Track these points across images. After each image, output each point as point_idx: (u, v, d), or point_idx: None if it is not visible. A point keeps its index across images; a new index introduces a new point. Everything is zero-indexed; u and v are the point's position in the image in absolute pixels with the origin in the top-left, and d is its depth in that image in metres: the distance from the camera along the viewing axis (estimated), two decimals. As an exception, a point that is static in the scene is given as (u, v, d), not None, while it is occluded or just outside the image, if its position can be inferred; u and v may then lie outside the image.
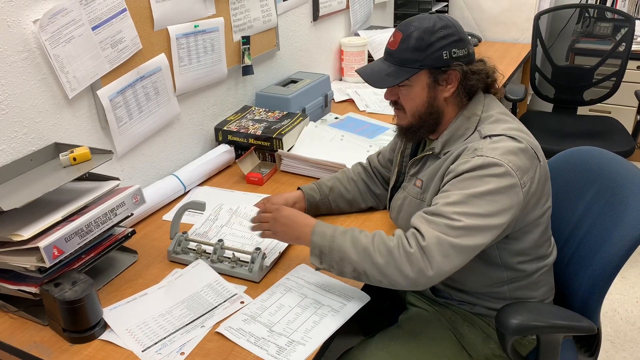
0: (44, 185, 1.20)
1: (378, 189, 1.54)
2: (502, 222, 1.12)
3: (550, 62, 2.99)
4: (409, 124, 1.27)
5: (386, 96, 1.29)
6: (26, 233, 1.11)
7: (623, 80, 2.83)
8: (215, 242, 1.34)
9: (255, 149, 1.84)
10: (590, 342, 1.37)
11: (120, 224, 1.31)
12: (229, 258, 1.32)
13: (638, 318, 2.28)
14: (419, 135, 1.29)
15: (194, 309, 1.19)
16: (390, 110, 2.25)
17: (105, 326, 1.15)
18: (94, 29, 1.41)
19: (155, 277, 1.31)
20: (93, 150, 1.32)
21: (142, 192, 1.34)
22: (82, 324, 1.12)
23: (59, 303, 1.09)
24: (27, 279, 1.16)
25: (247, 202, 1.59)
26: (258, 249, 1.31)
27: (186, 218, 1.54)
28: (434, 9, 3.23)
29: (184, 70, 1.75)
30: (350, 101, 2.43)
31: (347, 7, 2.74)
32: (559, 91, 3.01)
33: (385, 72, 1.22)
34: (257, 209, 1.38)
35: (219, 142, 1.91)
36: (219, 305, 1.20)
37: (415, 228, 1.12)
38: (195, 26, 1.75)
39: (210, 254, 1.34)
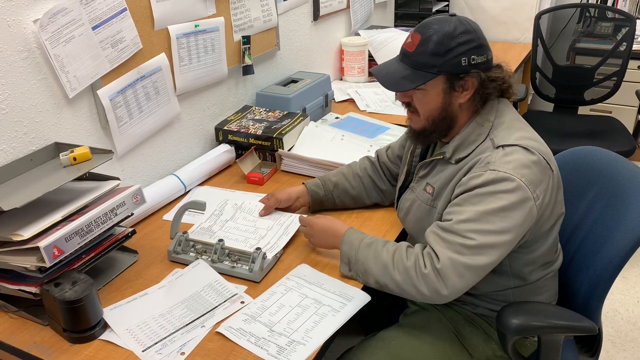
0: (44, 185, 1.19)
1: (384, 184, 1.54)
2: (515, 237, 1.13)
3: (551, 62, 2.99)
4: (421, 128, 1.25)
5: (399, 98, 1.27)
6: (26, 233, 1.11)
7: (624, 80, 2.82)
8: (215, 242, 1.34)
9: (255, 149, 1.83)
10: (591, 342, 1.37)
11: (121, 224, 1.31)
12: (229, 258, 1.32)
13: (639, 318, 2.28)
14: (430, 139, 1.28)
15: (194, 309, 1.19)
16: (390, 110, 2.29)
17: (106, 326, 1.15)
18: (94, 28, 1.41)
19: (156, 277, 1.31)
20: (93, 150, 1.32)
21: (143, 192, 1.33)
22: (82, 324, 1.11)
23: (59, 303, 1.09)
24: (27, 279, 1.15)
25: (251, 197, 1.61)
26: (258, 248, 1.31)
27: (186, 218, 1.53)
28: (434, 9, 3.22)
29: (185, 70, 1.75)
30: (351, 101, 2.42)
31: (348, 6, 2.74)
32: (559, 91, 3.01)
33: (401, 75, 1.19)
34: (261, 205, 1.49)
35: (219, 142, 1.91)
36: (219, 305, 1.20)
37: (431, 247, 1.15)
38: (196, 26, 1.75)
39: (210, 253, 1.34)
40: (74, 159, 1.29)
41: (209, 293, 1.24)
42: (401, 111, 2.27)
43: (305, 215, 1.39)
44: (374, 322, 1.51)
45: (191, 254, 1.36)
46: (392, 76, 1.21)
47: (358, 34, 2.84)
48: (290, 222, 1.45)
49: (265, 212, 1.49)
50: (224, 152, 1.83)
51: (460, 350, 1.28)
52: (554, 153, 1.59)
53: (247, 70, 2.03)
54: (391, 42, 2.70)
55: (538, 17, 2.92)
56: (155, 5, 1.59)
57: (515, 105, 2.80)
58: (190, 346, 1.10)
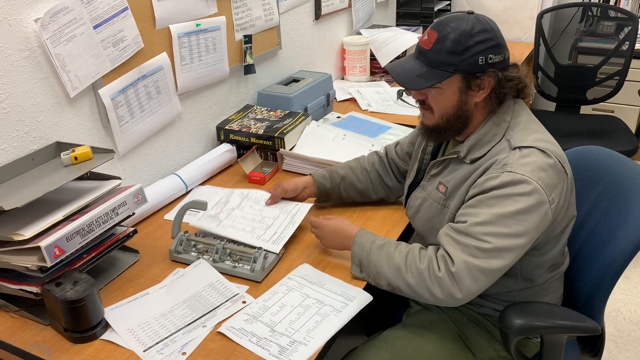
0: (46, 184, 1.19)
1: (391, 181, 1.53)
2: (530, 241, 1.13)
3: (553, 61, 2.98)
4: (435, 125, 1.24)
5: (414, 95, 1.26)
6: (27, 232, 1.11)
7: (626, 79, 2.82)
8: (217, 242, 1.34)
9: (257, 148, 1.83)
10: (594, 342, 1.36)
11: (122, 224, 1.31)
12: (231, 257, 1.32)
13: (641, 318, 2.27)
14: (444, 137, 1.27)
15: (195, 309, 1.19)
16: (391, 110, 2.28)
17: (107, 326, 1.15)
18: (95, 27, 1.41)
19: (157, 277, 1.31)
20: (94, 150, 1.32)
21: (144, 192, 1.33)
22: (83, 324, 1.11)
23: (60, 303, 1.08)
24: (28, 279, 1.15)
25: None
26: (260, 248, 1.31)
27: (188, 217, 1.53)
28: (436, 8, 3.22)
29: (186, 69, 1.74)
30: (352, 100, 2.42)
31: (349, 5, 2.74)
32: (561, 90, 3.00)
33: (416, 73, 1.18)
34: (268, 195, 1.49)
35: (220, 142, 1.90)
36: (220, 305, 1.20)
37: (445, 250, 1.14)
38: (197, 25, 1.74)
39: (212, 253, 1.34)
40: (75, 158, 1.29)
41: (210, 293, 1.23)
42: (402, 111, 2.27)
43: (315, 218, 1.38)
44: (376, 321, 1.50)
45: (192, 253, 1.36)
46: (408, 74, 1.20)
47: (360, 33, 2.84)
48: (296, 211, 1.45)
49: (272, 202, 1.50)
50: (225, 151, 1.83)
51: (464, 350, 1.28)
52: (557, 153, 1.59)
53: (249, 69, 2.03)
54: (393, 41, 2.70)
55: (540, 16, 2.91)
56: (157, 4, 1.59)
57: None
58: (191, 346, 1.09)
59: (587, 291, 1.31)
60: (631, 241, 1.21)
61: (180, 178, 1.68)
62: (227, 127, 1.87)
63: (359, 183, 1.52)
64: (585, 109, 3.09)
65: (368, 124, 2.12)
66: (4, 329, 1.17)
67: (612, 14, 3.35)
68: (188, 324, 1.15)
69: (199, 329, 1.14)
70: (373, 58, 2.71)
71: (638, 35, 2.86)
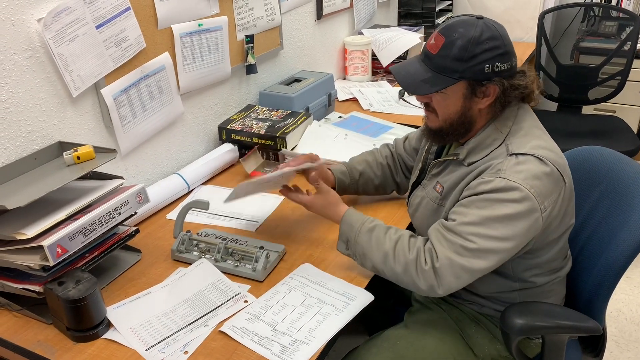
0: (48, 184, 1.20)
1: (398, 177, 1.54)
2: (517, 245, 1.13)
3: (554, 61, 2.98)
4: (438, 128, 1.23)
5: (418, 98, 1.26)
6: (30, 231, 1.11)
7: (628, 79, 2.81)
8: (219, 242, 1.34)
9: (258, 148, 1.83)
10: (595, 342, 1.36)
11: (124, 223, 1.31)
12: (233, 257, 1.32)
13: (643, 318, 2.27)
14: (447, 140, 1.27)
15: (197, 308, 1.19)
16: (393, 110, 2.28)
17: (109, 325, 1.15)
18: (97, 27, 1.41)
19: (159, 276, 1.31)
20: (97, 149, 1.32)
21: (146, 191, 1.34)
22: (85, 323, 1.12)
23: (63, 302, 1.09)
24: (31, 278, 1.16)
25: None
26: (262, 247, 1.31)
27: (190, 217, 1.54)
28: (438, 8, 3.22)
29: (188, 69, 1.75)
30: (354, 100, 2.42)
31: (351, 5, 2.74)
32: (563, 90, 3.00)
33: (422, 78, 1.17)
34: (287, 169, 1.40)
35: (222, 141, 1.91)
36: (222, 304, 1.20)
37: (432, 244, 1.15)
38: (199, 25, 1.75)
39: (214, 252, 1.34)
40: (78, 157, 1.29)
41: (212, 292, 1.24)
42: (404, 110, 2.28)
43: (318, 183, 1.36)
44: (378, 321, 1.50)
45: (194, 253, 1.36)
46: (413, 78, 1.19)
47: (361, 33, 2.84)
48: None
49: (293, 164, 1.44)
50: (227, 151, 1.83)
51: (465, 350, 1.28)
52: (558, 153, 1.59)
53: (251, 69, 2.03)
54: (394, 41, 2.69)
55: (542, 16, 2.91)
56: (159, 4, 1.59)
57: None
58: (193, 345, 1.10)
59: (588, 291, 1.31)
60: (633, 241, 1.21)
61: (182, 178, 1.69)
62: (229, 127, 1.88)
63: (376, 178, 1.53)
64: (587, 109, 3.08)
65: (370, 123, 2.12)
66: (7, 327, 1.17)
67: (614, 14, 3.34)
68: (190, 323, 1.15)
69: (201, 328, 1.14)
70: (375, 58, 2.71)
71: (640, 36, 2.86)
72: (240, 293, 1.23)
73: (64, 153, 1.31)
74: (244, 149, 1.88)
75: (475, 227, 1.11)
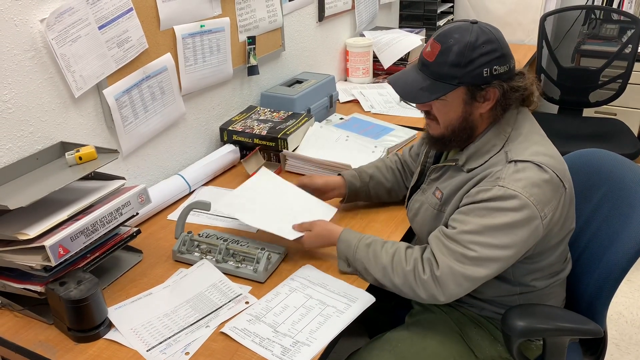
0: (50, 184, 1.20)
1: (409, 182, 1.54)
2: (517, 253, 1.13)
3: (556, 64, 2.98)
4: (440, 135, 1.23)
5: (418, 107, 1.25)
6: (32, 232, 1.11)
7: (629, 82, 2.81)
8: (220, 242, 1.34)
9: (260, 149, 1.83)
10: (596, 345, 1.36)
11: (126, 224, 1.31)
12: (234, 258, 1.32)
13: (643, 321, 2.27)
14: (449, 147, 1.26)
15: (198, 309, 1.19)
16: (394, 112, 2.29)
17: (110, 325, 1.16)
18: (100, 28, 1.41)
19: (160, 277, 1.31)
20: (99, 150, 1.32)
21: (148, 192, 1.34)
22: (87, 323, 1.12)
23: (64, 302, 1.09)
24: (32, 278, 1.16)
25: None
26: (263, 248, 1.31)
27: (191, 218, 1.54)
28: (439, 10, 3.22)
29: (190, 70, 1.75)
30: (355, 102, 2.42)
31: (353, 7, 2.74)
32: (564, 93, 3.00)
33: (420, 86, 1.16)
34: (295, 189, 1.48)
35: (224, 142, 1.91)
36: (223, 305, 1.20)
37: (432, 252, 1.16)
38: (202, 26, 1.75)
39: (215, 253, 1.34)
40: (80, 158, 1.29)
41: (213, 293, 1.24)
42: (405, 112, 2.28)
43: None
44: (379, 323, 1.51)
45: (196, 254, 1.36)
46: (411, 87, 1.18)
47: (363, 35, 2.84)
48: (321, 215, 1.42)
49: (297, 183, 1.51)
50: (228, 152, 1.84)
51: (466, 351, 1.28)
52: (559, 155, 1.59)
53: (252, 70, 2.03)
54: (396, 43, 2.70)
55: (543, 19, 2.91)
56: (162, 5, 1.59)
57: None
58: (194, 346, 1.10)
59: (589, 294, 1.31)
60: (634, 244, 1.21)
61: (184, 178, 1.69)
62: (230, 128, 1.88)
63: (386, 182, 1.53)
64: (587, 112, 3.08)
65: (371, 125, 2.12)
66: (8, 327, 1.17)
67: (615, 17, 3.34)
68: (191, 324, 1.15)
69: (202, 329, 1.14)
70: (376, 60, 2.71)
71: (641, 39, 2.86)
72: (241, 294, 1.23)
73: (66, 153, 1.31)
74: (245, 150, 1.88)
75: (476, 235, 1.11)
